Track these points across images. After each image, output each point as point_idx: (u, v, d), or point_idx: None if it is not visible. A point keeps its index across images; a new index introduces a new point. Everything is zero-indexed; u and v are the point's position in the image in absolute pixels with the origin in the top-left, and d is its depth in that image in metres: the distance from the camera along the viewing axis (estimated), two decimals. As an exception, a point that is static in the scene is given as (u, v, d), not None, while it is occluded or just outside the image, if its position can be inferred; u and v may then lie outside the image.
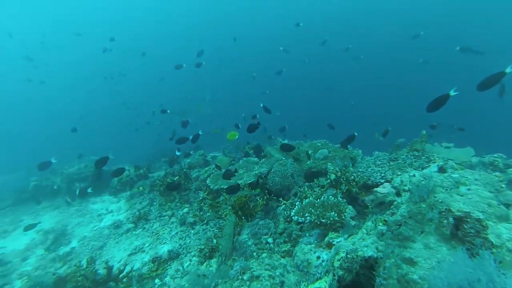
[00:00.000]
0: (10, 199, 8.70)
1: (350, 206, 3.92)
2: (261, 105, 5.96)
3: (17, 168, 10.87)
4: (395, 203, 3.74)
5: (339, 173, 4.62)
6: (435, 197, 3.55)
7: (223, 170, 6.11)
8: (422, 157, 4.67)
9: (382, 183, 4.17)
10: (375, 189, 4.10)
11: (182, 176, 6.57)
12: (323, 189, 4.97)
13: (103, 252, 5.43)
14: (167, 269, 4.35)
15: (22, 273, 5.53)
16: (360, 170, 4.69)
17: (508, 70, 2.87)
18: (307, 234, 3.71)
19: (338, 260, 2.62)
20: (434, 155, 4.59)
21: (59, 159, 5.59)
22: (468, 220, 3.14)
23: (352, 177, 4.46)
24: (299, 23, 12.74)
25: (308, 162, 6.15)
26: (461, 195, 3.62)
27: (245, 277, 2.89)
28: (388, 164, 4.67)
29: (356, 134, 4.83)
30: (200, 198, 5.92)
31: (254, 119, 7.34)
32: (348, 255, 2.63)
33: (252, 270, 3.01)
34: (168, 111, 7.66)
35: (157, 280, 4.14)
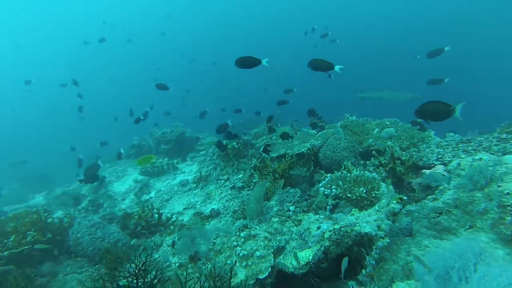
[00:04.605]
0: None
1: (383, 184, 3.38)
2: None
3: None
4: (440, 187, 3.04)
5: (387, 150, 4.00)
6: (499, 186, 2.71)
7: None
8: (512, 141, 3.54)
9: (435, 165, 3.41)
10: (423, 170, 3.40)
11: (241, 143, 6.88)
12: (378, 169, 4.44)
13: (168, 203, 6.34)
14: (205, 224, 4.75)
15: (120, 208, 7.01)
16: (415, 149, 3.93)
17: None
18: (328, 207, 3.43)
19: (329, 231, 2.37)
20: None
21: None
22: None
23: (403, 156, 3.79)
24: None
25: (370, 140, 5.54)
26: (547, 190, 2.65)
27: (242, 234, 2.93)
28: (454, 146, 3.75)
29: None
30: (252, 165, 6.10)
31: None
32: (342, 228, 2.35)
33: (251, 229, 3.02)
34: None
35: (196, 234, 4.56)
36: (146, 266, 1.74)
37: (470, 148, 3.68)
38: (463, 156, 3.49)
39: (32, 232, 3.82)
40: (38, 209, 4.37)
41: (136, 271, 1.69)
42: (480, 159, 3.24)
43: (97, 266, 3.79)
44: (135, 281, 1.67)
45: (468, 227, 2.75)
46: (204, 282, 1.50)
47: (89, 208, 7.19)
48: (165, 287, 1.63)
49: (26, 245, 3.65)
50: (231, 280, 1.71)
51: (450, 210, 2.88)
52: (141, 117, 6.71)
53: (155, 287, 1.61)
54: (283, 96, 8.14)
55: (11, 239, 3.64)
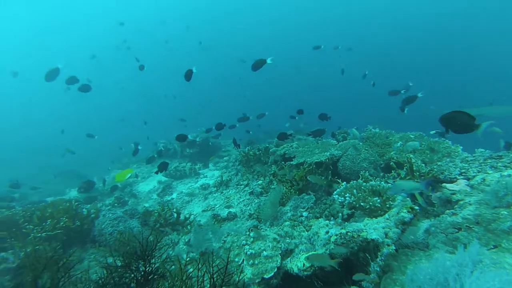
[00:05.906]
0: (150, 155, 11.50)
1: (400, 197, 3.30)
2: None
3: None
4: (461, 202, 2.91)
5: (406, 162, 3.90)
6: (526, 204, 2.56)
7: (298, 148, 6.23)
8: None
9: (457, 180, 3.27)
10: (443, 184, 3.27)
11: (262, 151, 6.98)
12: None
13: (188, 205, 6.54)
14: (222, 226, 4.85)
15: (143, 207, 7.34)
16: (439, 163, 3.79)
17: None
18: (340, 215, 3.41)
19: (336, 235, 2.38)
20: None
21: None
22: None
23: (423, 169, 3.67)
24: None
25: (392, 153, 5.41)
26: None
27: (251, 234, 2.99)
28: (481, 161, 3.57)
29: None
30: (272, 172, 6.17)
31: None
32: (348, 233, 2.34)
33: (261, 229, 3.07)
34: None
35: (209, 232, 4.68)
36: (153, 252, 1.86)
37: (500, 164, 3.49)
38: (490, 171, 3.32)
39: (64, 218, 4.18)
40: (70, 199, 4.74)
41: (145, 254, 1.82)
42: (510, 175, 3.07)
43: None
44: (142, 263, 1.80)
45: (492, 246, 2.60)
46: (201, 266, 1.59)
47: (115, 204, 7.59)
48: (165, 267, 1.74)
49: (59, 229, 4.01)
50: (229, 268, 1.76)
51: (471, 226, 2.75)
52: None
53: (158, 268, 1.73)
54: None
55: (48, 223, 4.04)
